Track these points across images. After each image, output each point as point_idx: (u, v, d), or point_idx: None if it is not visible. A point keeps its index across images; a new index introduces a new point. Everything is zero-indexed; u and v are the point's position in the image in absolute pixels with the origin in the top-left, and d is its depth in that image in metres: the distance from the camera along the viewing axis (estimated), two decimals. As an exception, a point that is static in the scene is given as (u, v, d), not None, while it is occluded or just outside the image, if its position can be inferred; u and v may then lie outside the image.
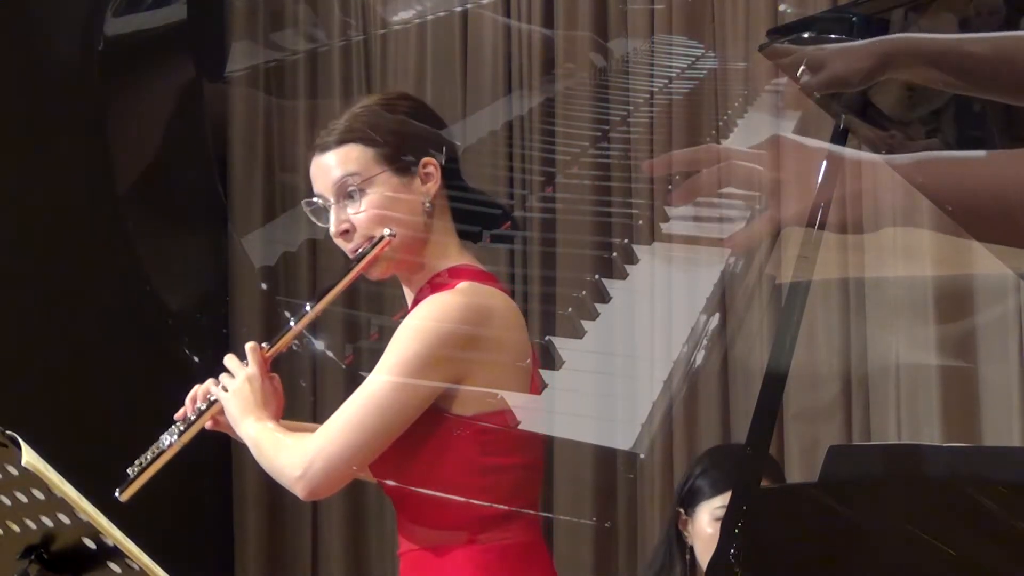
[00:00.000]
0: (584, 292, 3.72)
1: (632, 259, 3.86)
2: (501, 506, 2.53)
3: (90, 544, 2.16)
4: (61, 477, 2.16)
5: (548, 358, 3.60)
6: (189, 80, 4.39)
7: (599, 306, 3.68)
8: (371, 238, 2.54)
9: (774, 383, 2.39)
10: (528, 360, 2.58)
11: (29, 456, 2.12)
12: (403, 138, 2.58)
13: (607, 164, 4.14)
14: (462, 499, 2.50)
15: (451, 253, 2.61)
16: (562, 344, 3.62)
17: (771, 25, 3.92)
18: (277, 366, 2.60)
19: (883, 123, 2.52)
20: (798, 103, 2.51)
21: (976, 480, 2.37)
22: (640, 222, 4.00)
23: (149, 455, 2.54)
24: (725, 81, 4.06)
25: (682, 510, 3.03)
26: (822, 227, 2.40)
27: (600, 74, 4.26)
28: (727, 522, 2.34)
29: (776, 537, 2.39)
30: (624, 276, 3.82)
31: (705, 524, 2.99)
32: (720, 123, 4.03)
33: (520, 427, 2.53)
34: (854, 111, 2.49)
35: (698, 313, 3.66)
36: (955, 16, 2.40)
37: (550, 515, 4.39)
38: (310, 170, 2.60)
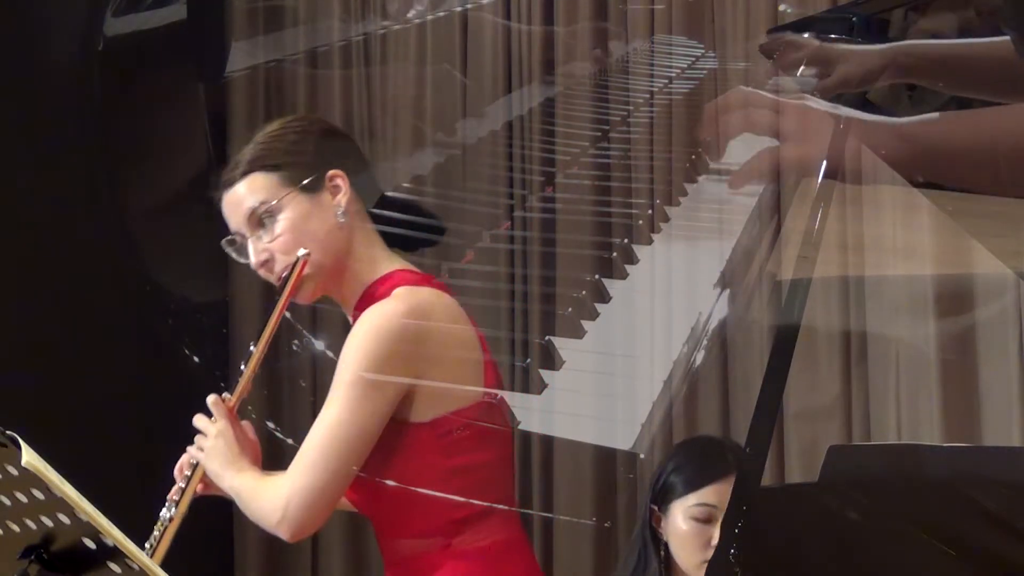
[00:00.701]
0: (584, 292, 3.72)
1: (632, 259, 3.86)
2: (477, 501, 2.53)
3: (90, 544, 2.15)
4: (61, 477, 2.16)
5: (548, 358, 3.60)
6: (189, 80, 4.39)
7: (599, 306, 3.69)
8: (289, 264, 2.55)
9: (774, 382, 2.39)
10: (479, 353, 2.56)
11: (29, 456, 2.12)
12: (303, 156, 2.59)
13: (607, 164, 4.14)
14: (435, 494, 2.50)
15: (379, 261, 2.60)
16: (562, 344, 3.62)
17: (771, 25, 3.92)
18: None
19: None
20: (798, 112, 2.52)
21: (976, 480, 2.37)
22: (640, 222, 4.00)
23: (157, 533, 2.56)
24: (725, 81, 4.06)
25: (655, 507, 3.02)
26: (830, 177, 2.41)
27: (600, 74, 4.26)
28: (727, 522, 2.34)
29: (776, 537, 2.39)
30: (624, 276, 3.83)
31: (680, 522, 2.98)
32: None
33: (483, 421, 2.53)
34: (854, 108, 2.50)
35: (698, 313, 3.66)
36: (955, 16, 2.41)
37: (550, 515, 4.39)
38: (223, 209, 2.62)
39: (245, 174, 2.58)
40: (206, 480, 2.59)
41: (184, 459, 2.61)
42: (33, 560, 2.20)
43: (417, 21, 4.52)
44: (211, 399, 2.57)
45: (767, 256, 3.79)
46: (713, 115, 2.88)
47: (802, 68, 2.41)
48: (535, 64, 4.41)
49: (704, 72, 4.11)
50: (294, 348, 2.75)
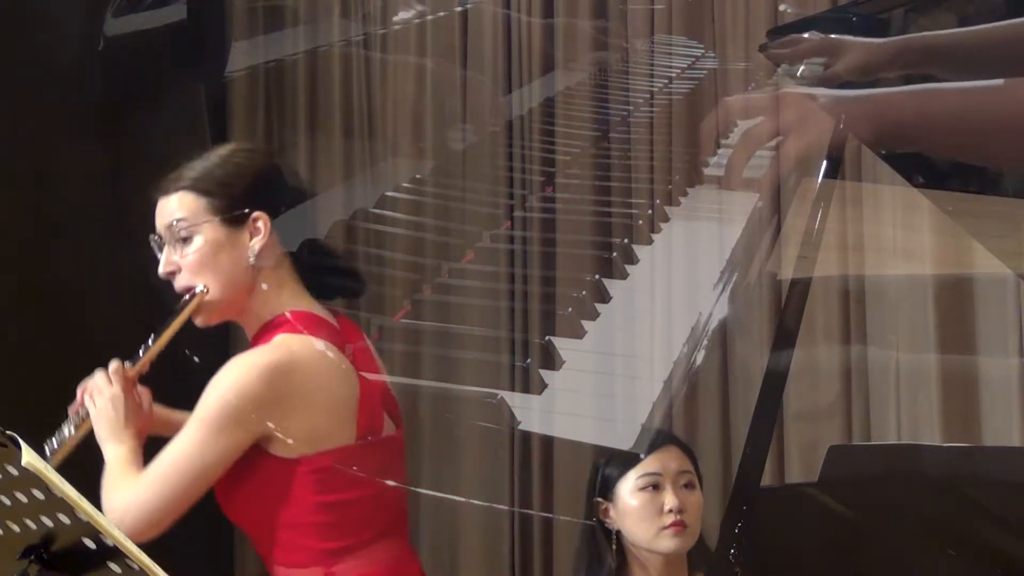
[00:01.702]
0: (584, 292, 3.72)
1: (632, 259, 3.86)
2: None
3: (90, 544, 2.16)
4: (61, 477, 2.16)
5: (548, 358, 3.60)
6: (189, 80, 4.39)
7: (599, 306, 3.69)
8: (190, 288, 2.63)
9: (774, 383, 2.40)
10: (351, 401, 2.61)
11: (29, 456, 2.12)
12: (235, 190, 2.64)
13: (607, 164, 4.14)
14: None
15: (284, 300, 2.65)
16: (562, 344, 3.62)
17: (771, 25, 3.92)
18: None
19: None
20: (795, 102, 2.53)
21: (976, 480, 2.37)
22: (640, 222, 4.00)
23: (55, 444, 2.65)
24: (725, 81, 4.06)
25: (600, 499, 3.03)
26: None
27: (600, 74, 4.26)
28: (727, 522, 2.34)
29: (776, 537, 2.39)
30: (624, 276, 3.83)
31: (628, 498, 2.99)
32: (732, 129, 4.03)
33: (354, 461, 2.59)
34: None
35: (698, 313, 3.66)
36: (955, 16, 2.41)
37: (550, 515, 4.39)
38: (155, 209, 2.69)
39: (179, 189, 2.66)
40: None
41: (77, 402, 2.69)
42: (33, 560, 2.20)
43: (417, 21, 4.52)
44: (113, 365, 2.66)
45: (767, 256, 3.79)
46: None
47: (802, 67, 2.41)
48: (535, 64, 4.41)
49: (704, 72, 4.11)
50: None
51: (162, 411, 2.75)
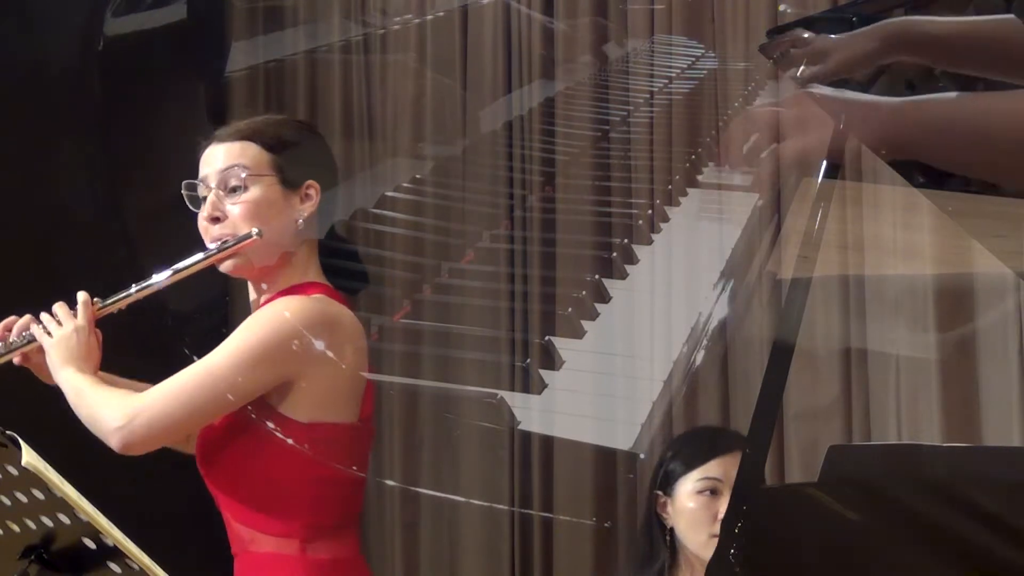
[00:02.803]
0: (584, 292, 3.72)
1: (632, 259, 3.86)
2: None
3: (90, 544, 2.16)
4: (61, 477, 2.16)
5: (548, 358, 3.60)
6: (189, 80, 4.39)
7: (599, 306, 3.69)
8: (235, 233, 2.61)
9: (774, 383, 2.40)
10: (363, 379, 2.63)
11: (29, 456, 2.12)
12: (297, 154, 2.66)
13: (607, 164, 4.14)
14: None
15: (311, 273, 2.67)
16: (562, 344, 3.62)
17: (771, 25, 3.92)
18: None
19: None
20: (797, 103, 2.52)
21: (976, 480, 2.37)
22: (640, 222, 4.00)
23: None
24: (725, 81, 4.06)
25: (660, 492, 3.03)
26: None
27: (600, 74, 4.26)
28: (727, 522, 2.34)
29: (776, 537, 2.39)
30: (624, 276, 3.83)
31: (685, 500, 2.99)
32: (720, 123, 4.03)
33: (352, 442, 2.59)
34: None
35: (698, 313, 3.66)
36: (955, 15, 2.41)
37: (550, 515, 4.39)
38: (201, 157, 2.67)
39: (243, 138, 2.65)
40: (30, 356, 2.67)
41: (19, 323, 2.68)
42: (33, 560, 2.20)
43: (417, 21, 4.52)
44: (82, 298, 2.65)
45: (767, 256, 3.79)
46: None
47: (802, 67, 2.41)
48: (535, 64, 4.41)
49: (704, 72, 4.11)
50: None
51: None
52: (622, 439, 3.73)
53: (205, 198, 2.64)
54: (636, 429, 3.53)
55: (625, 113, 4.08)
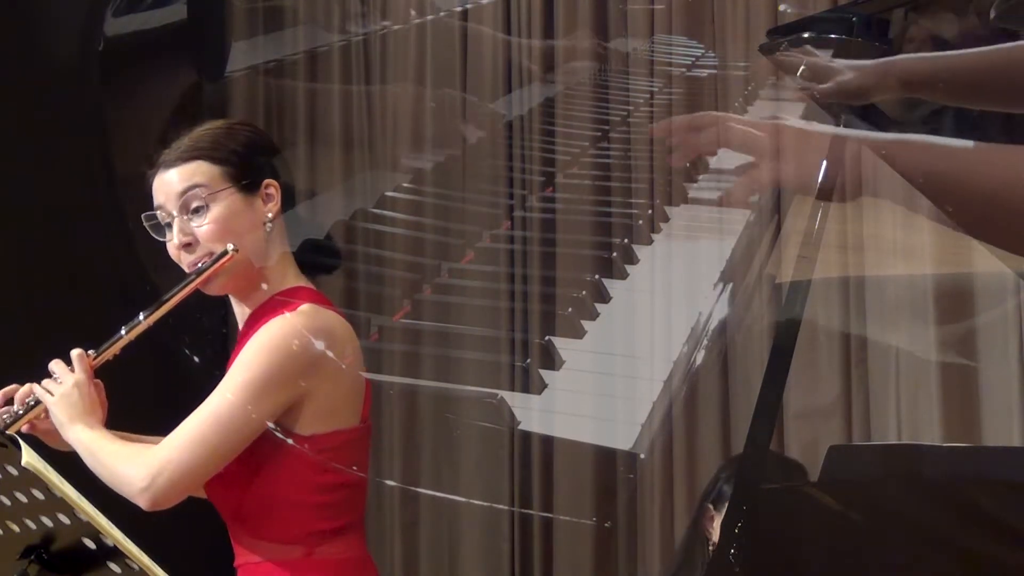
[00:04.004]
0: (584, 292, 3.72)
1: (632, 259, 3.86)
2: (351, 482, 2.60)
3: (90, 544, 2.16)
4: (61, 477, 2.16)
5: (548, 358, 3.60)
6: (189, 80, 4.39)
7: (599, 306, 3.69)
8: (211, 253, 2.60)
9: (774, 382, 2.39)
10: (362, 379, 2.65)
11: (29, 456, 2.12)
12: (248, 159, 2.65)
13: (607, 164, 4.14)
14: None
15: (289, 276, 2.67)
16: (562, 344, 3.62)
17: (771, 25, 3.92)
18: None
19: (883, 123, 2.52)
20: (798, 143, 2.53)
21: (976, 480, 2.37)
22: (640, 222, 4.00)
23: None
24: (725, 81, 4.05)
25: (711, 505, 3.04)
26: (827, 199, 2.42)
27: (600, 74, 4.26)
28: (727, 522, 2.34)
29: (776, 537, 2.39)
30: (624, 276, 3.83)
31: None
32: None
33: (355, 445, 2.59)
34: (854, 111, 2.50)
35: (698, 313, 3.66)
36: (955, 16, 2.40)
37: (550, 515, 4.39)
38: (153, 185, 2.65)
39: (188, 159, 2.63)
40: (35, 423, 2.63)
41: (25, 389, 2.64)
42: (33, 560, 2.20)
43: (417, 21, 4.52)
44: (76, 352, 2.63)
45: (767, 256, 3.79)
46: (680, 132, 2.89)
47: (801, 69, 2.41)
48: (535, 64, 4.41)
49: (704, 72, 4.11)
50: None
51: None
52: (622, 439, 3.73)
53: (168, 225, 2.64)
54: (636, 429, 3.53)
55: (625, 113, 4.08)
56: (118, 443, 2.56)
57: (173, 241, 2.63)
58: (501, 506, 4.46)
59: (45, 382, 2.62)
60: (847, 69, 2.38)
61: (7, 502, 2.18)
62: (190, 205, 2.61)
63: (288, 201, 2.71)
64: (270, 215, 2.64)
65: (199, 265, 2.61)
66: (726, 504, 3.01)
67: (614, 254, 3.90)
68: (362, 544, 2.68)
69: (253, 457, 2.56)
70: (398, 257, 4.22)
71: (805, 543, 2.38)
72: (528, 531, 4.46)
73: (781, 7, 3.99)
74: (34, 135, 4.41)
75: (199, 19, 4.42)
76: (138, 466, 2.50)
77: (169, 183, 2.63)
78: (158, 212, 2.65)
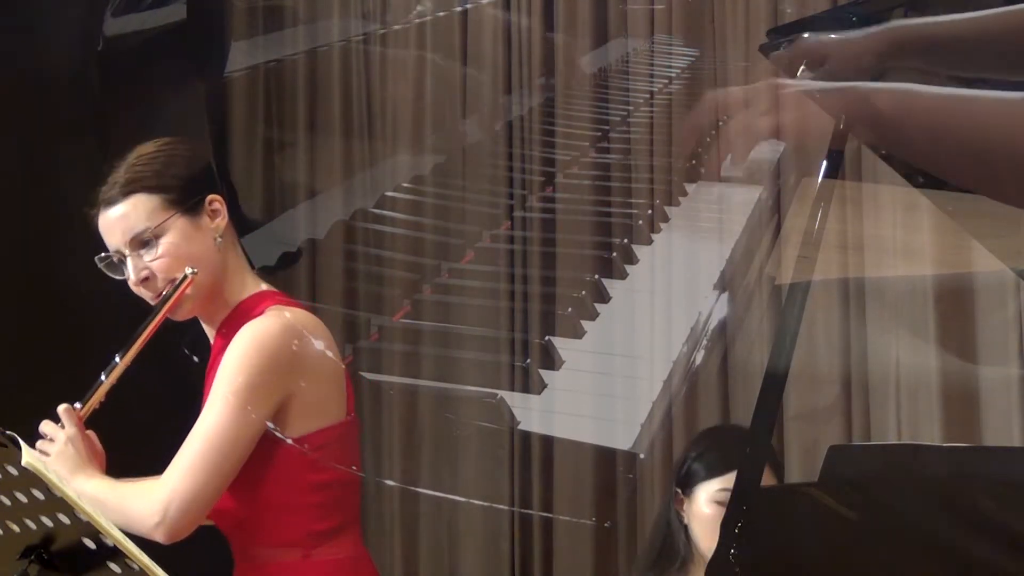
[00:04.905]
0: (584, 292, 3.72)
1: (632, 259, 3.86)
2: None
3: (90, 544, 2.16)
4: (61, 477, 2.16)
5: (548, 358, 3.60)
6: (189, 80, 4.39)
7: (599, 306, 3.69)
8: (173, 281, 2.62)
9: (774, 383, 2.39)
10: (342, 368, 2.67)
11: (29, 456, 2.12)
12: (187, 181, 2.66)
13: (607, 164, 4.14)
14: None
15: (248, 283, 2.69)
16: (562, 344, 3.62)
17: (771, 25, 3.92)
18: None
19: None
20: (796, 103, 2.51)
21: (976, 480, 2.37)
22: (640, 222, 4.00)
23: None
24: (725, 81, 4.05)
25: (679, 490, 3.03)
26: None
27: (600, 74, 4.26)
28: (727, 522, 2.34)
29: (776, 537, 2.39)
30: (624, 276, 3.83)
31: (702, 504, 2.99)
32: (720, 124, 4.02)
33: (345, 439, 2.60)
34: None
35: (698, 313, 3.66)
36: (958, 13, 2.40)
37: (550, 515, 4.39)
38: (99, 226, 2.68)
39: (127, 194, 2.65)
40: None
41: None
42: (33, 560, 2.20)
43: (417, 21, 4.52)
44: (62, 408, 2.63)
45: (767, 256, 3.79)
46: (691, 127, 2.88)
47: (801, 69, 2.40)
48: (535, 63, 4.41)
49: (704, 72, 4.11)
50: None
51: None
52: (622, 439, 3.73)
53: (121, 262, 2.65)
54: (636, 429, 3.53)
55: (625, 113, 4.08)
56: (122, 485, 2.58)
57: (130, 278, 2.64)
58: (501, 506, 4.46)
59: (39, 444, 2.63)
60: (839, 43, 2.37)
61: (7, 502, 2.18)
62: (140, 241, 2.63)
63: (232, 204, 2.71)
64: (220, 230, 2.65)
65: (163, 294, 2.61)
66: (696, 486, 3.01)
67: (614, 254, 3.90)
68: (359, 543, 2.69)
69: (245, 467, 2.56)
70: (398, 257, 4.22)
71: (805, 543, 2.38)
72: (528, 531, 4.45)
73: (781, 7, 3.99)
74: (34, 135, 4.41)
75: (199, 19, 4.41)
76: (147, 502, 2.51)
77: (114, 224, 2.66)
78: (111, 255, 2.67)
